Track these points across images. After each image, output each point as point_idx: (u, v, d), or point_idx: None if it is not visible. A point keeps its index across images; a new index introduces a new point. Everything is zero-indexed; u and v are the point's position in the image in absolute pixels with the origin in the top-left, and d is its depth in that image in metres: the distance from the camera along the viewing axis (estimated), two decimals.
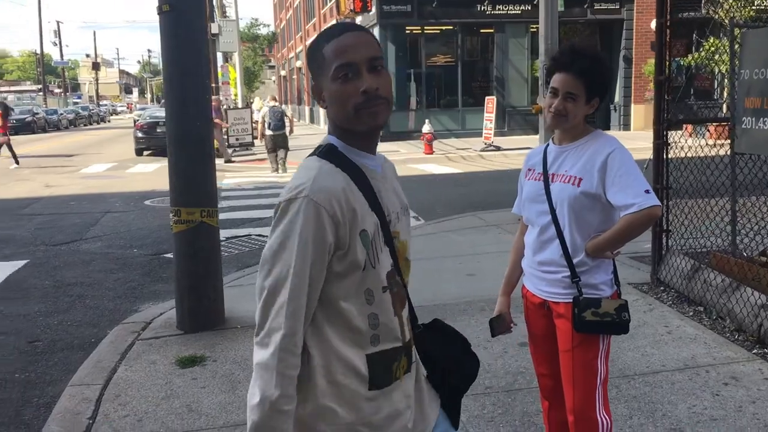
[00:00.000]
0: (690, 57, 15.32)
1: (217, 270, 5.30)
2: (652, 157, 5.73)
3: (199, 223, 5.08)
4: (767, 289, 4.56)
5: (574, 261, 2.52)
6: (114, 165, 19.79)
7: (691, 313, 5.03)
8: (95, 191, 14.21)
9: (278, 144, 16.06)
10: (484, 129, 19.88)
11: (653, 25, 5.72)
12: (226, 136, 20.12)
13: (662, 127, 5.58)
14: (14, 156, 19.46)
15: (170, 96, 5.10)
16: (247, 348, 4.57)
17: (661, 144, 5.59)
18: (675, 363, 4.18)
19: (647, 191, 2.37)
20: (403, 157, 18.09)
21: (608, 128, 24.20)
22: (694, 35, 21.01)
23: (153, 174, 16.81)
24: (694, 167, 5.44)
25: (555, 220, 2.55)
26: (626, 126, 24.20)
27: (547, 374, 2.74)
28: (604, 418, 2.54)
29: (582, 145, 2.54)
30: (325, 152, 1.63)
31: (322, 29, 1.65)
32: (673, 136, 5.60)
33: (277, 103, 15.78)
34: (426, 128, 19.02)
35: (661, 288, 5.58)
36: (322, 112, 36.42)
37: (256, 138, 23.67)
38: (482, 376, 4.10)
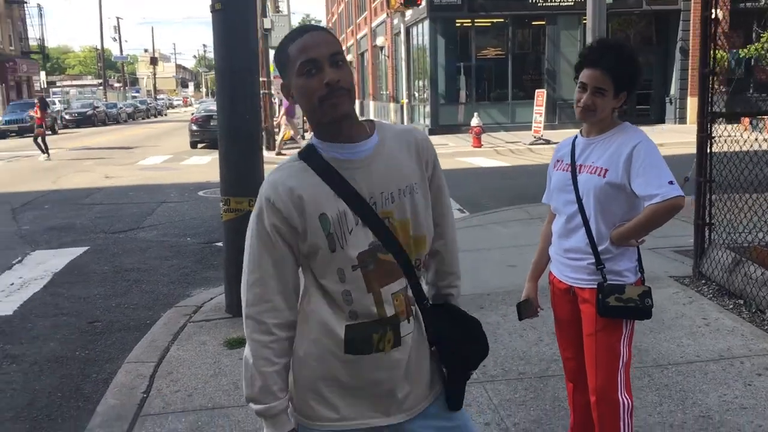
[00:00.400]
0: (747, 48, 14.92)
1: None
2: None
3: (248, 211, 5.29)
4: None
5: (599, 249, 2.62)
6: (170, 157, 20.37)
7: (730, 306, 5.02)
8: (152, 182, 14.73)
9: None
10: (533, 122, 19.73)
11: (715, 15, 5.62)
12: (277, 129, 20.48)
13: (706, 120, 5.56)
14: (46, 148, 20.10)
15: (221, 92, 5.33)
16: None
17: (704, 137, 5.56)
18: (710, 354, 4.21)
19: (671, 182, 2.45)
20: (452, 150, 18.13)
21: (663, 121, 23.71)
22: (754, 26, 20.45)
23: (207, 166, 17.27)
24: (739, 161, 5.40)
25: (581, 209, 2.65)
26: (682, 119, 23.63)
27: (571, 357, 2.85)
28: (625, 399, 2.63)
29: (609, 137, 2.64)
30: (300, 151, 1.83)
31: (287, 33, 1.82)
32: (721, 130, 5.53)
33: None
34: (475, 121, 18.98)
35: (703, 281, 5.57)
36: (372, 106, 36.57)
37: (307, 131, 24.05)
38: (516, 363, 4.22)
